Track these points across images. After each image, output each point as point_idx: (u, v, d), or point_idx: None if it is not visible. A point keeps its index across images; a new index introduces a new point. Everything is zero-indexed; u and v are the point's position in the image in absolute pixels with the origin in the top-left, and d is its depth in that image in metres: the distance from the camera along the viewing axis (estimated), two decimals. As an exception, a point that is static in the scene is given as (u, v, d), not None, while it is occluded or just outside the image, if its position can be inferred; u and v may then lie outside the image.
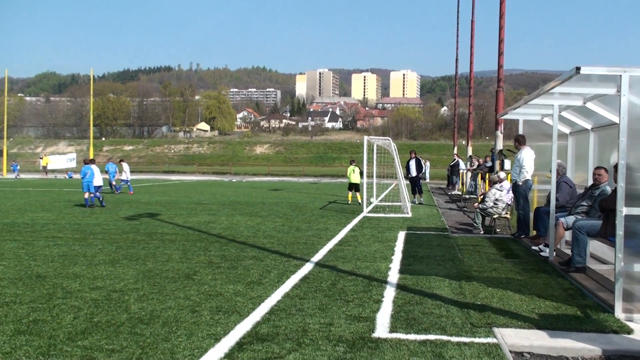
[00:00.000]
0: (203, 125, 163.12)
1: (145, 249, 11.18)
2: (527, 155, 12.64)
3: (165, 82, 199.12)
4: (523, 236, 13.09)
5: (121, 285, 8.02)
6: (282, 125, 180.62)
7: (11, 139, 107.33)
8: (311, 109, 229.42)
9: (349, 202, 23.67)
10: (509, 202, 14.45)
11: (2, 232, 13.73)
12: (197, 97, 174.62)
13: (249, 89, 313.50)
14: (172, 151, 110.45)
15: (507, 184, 14.53)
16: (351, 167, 23.62)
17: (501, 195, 14.48)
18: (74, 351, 5.35)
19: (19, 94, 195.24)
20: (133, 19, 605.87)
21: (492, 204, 14.49)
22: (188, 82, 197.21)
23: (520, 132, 13.43)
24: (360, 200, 22.40)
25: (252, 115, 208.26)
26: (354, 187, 23.49)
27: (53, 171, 58.72)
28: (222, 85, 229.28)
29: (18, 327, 6.08)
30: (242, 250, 11.17)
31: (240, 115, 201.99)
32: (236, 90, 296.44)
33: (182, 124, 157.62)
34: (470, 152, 34.62)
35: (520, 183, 12.76)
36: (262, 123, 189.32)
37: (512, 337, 5.87)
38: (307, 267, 9.49)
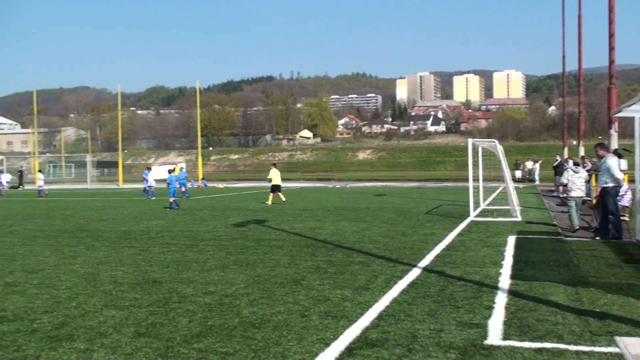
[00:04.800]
0: (306, 133, 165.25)
1: (254, 255, 11.45)
2: (613, 163, 12.93)
3: (268, 91, 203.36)
4: (598, 238, 13.07)
5: (232, 290, 8.24)
6: (383, 130, 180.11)
7: (125, 151, 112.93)
8: (413, 113, 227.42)
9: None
10: (628, 205, 13.79)
11: (120, 239, 14.46)
12: (298, 105, 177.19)
13: (350, 95, 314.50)
14: (277, 159, 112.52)
15: (625, 186, 13.89)
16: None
17: (574, 176, 15.02)
18: (190, 353, 5.55)
19: (132, 108, 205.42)
20: (234, 32, 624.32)
21: (572, 186, 14.92)
22: (289, 91, 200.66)
23: (636, 130, 12.81)
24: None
25: (354, 121, 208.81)
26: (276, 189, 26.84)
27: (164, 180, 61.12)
28: (322, 92, 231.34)
29: (138, 329, 6.38)
30: (349, 256, 11.21)
31: (341, 121, 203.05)
32: (337, 96, 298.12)
33: (285, 132, 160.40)
34: (582, 153, 33.21)
35: (609, 188, 12.92)
36: (363, 129, 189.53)
37: (637, 347, 5.56)
38: (414, 273, 9.41)
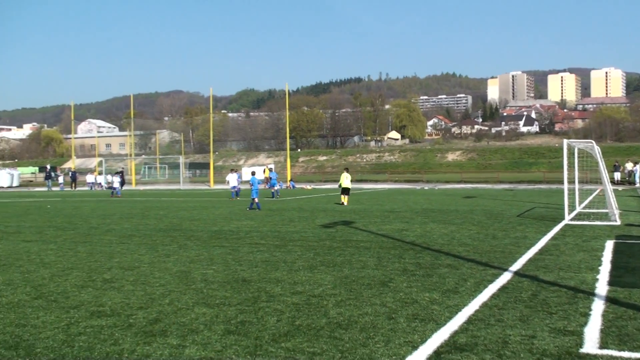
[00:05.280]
0: (394, 134, 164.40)
1: (342, 256, 11.49)
2: None
3: (356, 93, 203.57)
4: None
5: (320, 291, 8.30)
6: (474, 131, 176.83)
7: (216, 153, 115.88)
8: (504, 113, 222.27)
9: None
10: None
11: (211, 238, 14.85)
12: (387, 107, 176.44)
13: (439, 96, 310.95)
14: (364, 160, 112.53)
15: None
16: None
17: None
18: (278, 352, 5.63)
19: (223, 111, 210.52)
20: (323, 34, 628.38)
21: None
22: (378, 92, 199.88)
23: None
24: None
25: (443, 122, 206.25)
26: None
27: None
28: (411, 93, 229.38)
29: (228, 327, 6.53)
30: (437, 258, 11.07)
31: (430, 122, 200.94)
32: (426, 97, 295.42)
33: (373, 133, 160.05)
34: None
35: None
36: (453, 129, 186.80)
37: None
38: (505, 277, 9.18)
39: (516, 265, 10.20)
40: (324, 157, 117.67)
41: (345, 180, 28.20)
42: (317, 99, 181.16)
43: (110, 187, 62.03)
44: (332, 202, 29.48)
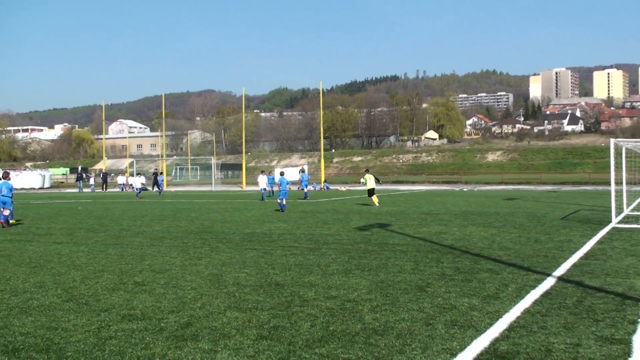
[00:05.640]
0: (431, 134, 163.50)
1: (377, 260, 11.46)
2: None
3: (392, 91, 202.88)
4: None
5: (354, 295, 8.29)
6: (515, 130, 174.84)
7: (249, 154, 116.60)
8: (547, 112, 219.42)
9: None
10: None
11: (244, 241, 14.94)
12: (424, 105, 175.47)
13: (479, 94, 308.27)
14: (401, 161, 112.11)
15: None
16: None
17: None
18: (312, 358, 5.63)
19: (255, 111, 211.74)
20: (358, 32, 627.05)
21: None
22: (415, 90, 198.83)
23: None
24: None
25: (483, 121, 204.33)
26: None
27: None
28: (449, 91, 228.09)
29: (260, 332, 6.55)
30: (477, 263, 10.97)
31: (469, 121, 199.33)
32: (465, 95, 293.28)
33: (409, 133, 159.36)
34: None
35: None
36: (493, 129, 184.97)
37: None
38: (548, 282, 9.06)
39: (560, 270, 10.06)
40: (359, 158, 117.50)
41: (370, 181, 29.25)
42: (352, 97, 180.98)
43: (144, 189, 63.10)
44: (367, 204, 29.43)
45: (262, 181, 37.21)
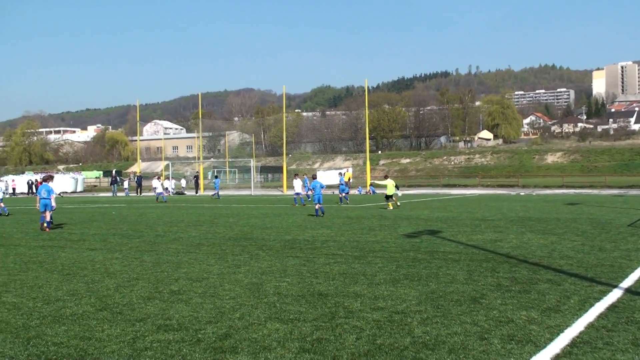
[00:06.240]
0: (485, 134, 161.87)
1: (427, 269, 11.39)
2: None
3: (443, 88, 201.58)
4: None
5: (403, 307, 8.26)
6: (577, 129, 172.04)
7: (290, 155, 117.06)
8: (612, 109, 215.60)
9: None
10: None
11: (285, 248, 15.01)
12: (477, 103, 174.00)
13: (537, 91, 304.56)
14: (452, 163, 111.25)
15: None
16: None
17: None
18: (358, 373, 5.62)
19: (296, 110, 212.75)
20: (405, 26, 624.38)
21: None
22: (467, 87, 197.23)
23: None
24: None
25: (541, 120, 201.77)
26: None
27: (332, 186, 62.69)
28: (505, 88, 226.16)
29: (302, 345, 6.58)
30: (535, 272, 10.82)
31: (527, 120, 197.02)
32: (522, 92, 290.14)
33: (461, 133, 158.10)
34: None
35: None
36: (553, 128, 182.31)
37: None
38: (614, 294, 8.88)
39: (628, 282, 9.86)
40: (407, 160, 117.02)
41: (390, 186, 31.00)
42: (400, 95, 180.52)
43: (180, 192, 64.10)
44: (416, 209, 29.29)
45: (297, 185, 37.57)
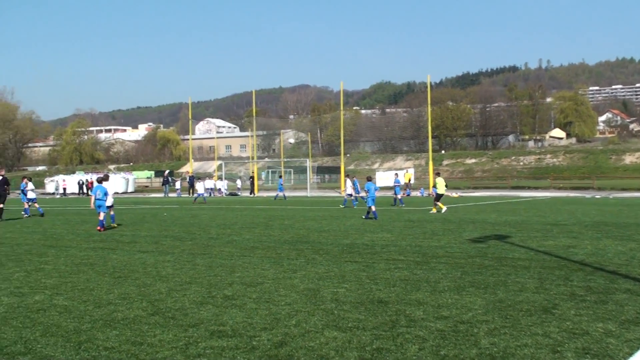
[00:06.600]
0: (557, 132, 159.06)
1: (495, 276, 11.26)
2: None
3: (511, 84, 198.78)
4: None
5: (469, 316, 8.18)
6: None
7: (348, 155, 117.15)
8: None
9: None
10: None
11: (343, 253, 15.03)
12: (548, 100, 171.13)
13: (613, 86, 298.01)
14: (521, 163, 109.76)
15: None
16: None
17: None
18: (421, 386, 5.60)
19: (355, 107, 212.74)
20: (470, 18, 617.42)
21: None
22: (537, 83, 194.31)
23: None
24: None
25: (618, 118, 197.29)
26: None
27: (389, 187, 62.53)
28: (578, 83, 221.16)
29: (362, 354, 6.58)
30: (613, 282, 10.60)
31: (602, 117, 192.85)
32: (597, 88, 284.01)
33: (531, 132, 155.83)
34: None
35: None
36: (631, 126, 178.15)
37: None
38: (700, 306, 8.63)
39: None
40: (473, 160, 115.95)
41: (441, 186, 31.11)
42: (464, 91, 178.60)
43: (233, 193, 64.88)
44: (483, 213, 28.97)
45: (348, 186, 37.76)
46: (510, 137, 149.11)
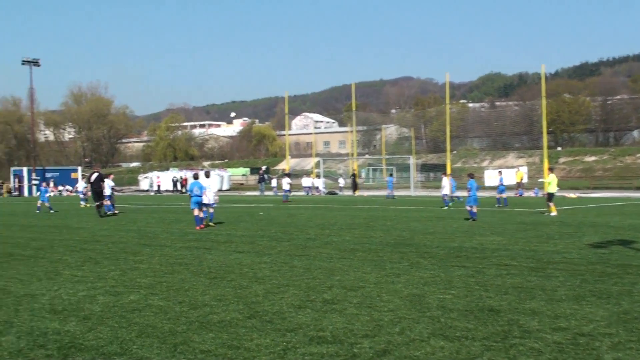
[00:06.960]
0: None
1: (618, 285, 10.91)
2: None
3: (635, 74, 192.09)
4: None
5: (590, 328, 7.96)
6: None
7: (454, 152, 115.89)
8: None
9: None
10: None
11: (449, 256, 14.87)
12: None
13: None
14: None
15: None
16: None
17: None
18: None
19: (462, 101, 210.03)
20: (588, 2, 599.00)
21: None
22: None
23: None
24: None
25: None
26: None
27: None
28: None
29: (472, 366, 6.48)
30: None
31: None
32: None
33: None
34: None
35: None
36: None
37: None
38: None
39: None
40: (593, 158, 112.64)
41: (553, 184, 29.80)
42: (583, 83, 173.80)
43: (332, 192, 65.34)
44: (604, 215, 28.07)
45: (446, 184, 37.23)
46: (635, 133, 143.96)
